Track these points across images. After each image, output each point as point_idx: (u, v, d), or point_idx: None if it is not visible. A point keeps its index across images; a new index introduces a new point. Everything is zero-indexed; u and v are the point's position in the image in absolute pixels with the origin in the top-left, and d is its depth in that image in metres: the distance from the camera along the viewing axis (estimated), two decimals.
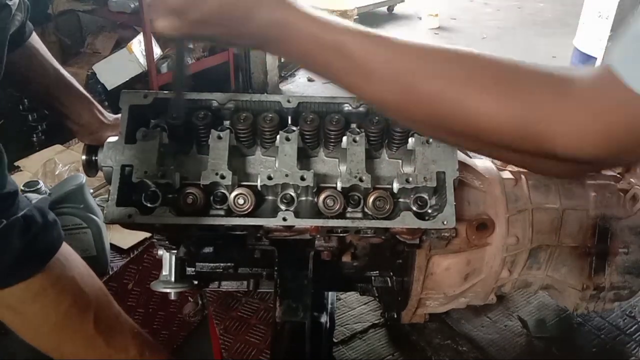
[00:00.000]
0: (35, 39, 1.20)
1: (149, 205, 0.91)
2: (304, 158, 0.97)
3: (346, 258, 1.15)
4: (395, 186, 0.93)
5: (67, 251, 0.84)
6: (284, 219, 0.89)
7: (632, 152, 0.56)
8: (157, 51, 3.34)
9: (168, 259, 1.09)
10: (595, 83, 0.53)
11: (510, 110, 0.56)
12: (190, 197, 0.90)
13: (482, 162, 1.22)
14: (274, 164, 0.94)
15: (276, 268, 1.05)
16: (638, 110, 0.50)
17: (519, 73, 0.57)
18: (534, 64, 0.58)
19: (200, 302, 1.43)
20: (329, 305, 1.31)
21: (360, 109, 0.96)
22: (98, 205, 1.45)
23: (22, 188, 1.34)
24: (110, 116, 1.29)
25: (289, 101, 0.96)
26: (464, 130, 0.62)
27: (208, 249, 1.13)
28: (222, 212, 0.92)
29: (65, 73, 1.26)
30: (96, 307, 0.85)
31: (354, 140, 0.94)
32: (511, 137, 0.58)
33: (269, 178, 0.91)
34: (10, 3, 0.87)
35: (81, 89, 1.27)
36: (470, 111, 0.58)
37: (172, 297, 1.11)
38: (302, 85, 4.30)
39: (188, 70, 0.90)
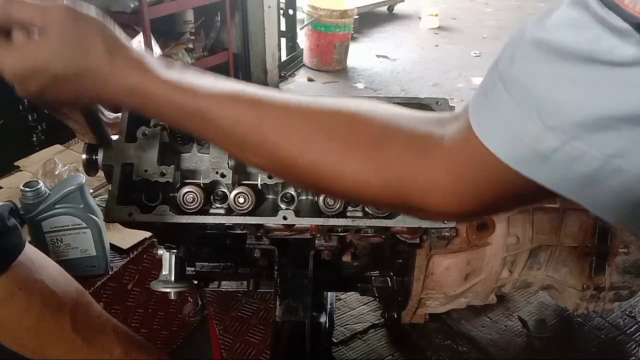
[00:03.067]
0: None
1: (149, 204, 0.91)
2: None
3: (346, 258, 1.15)
4: None
5: (33, 255, 0.82)
6: (285, 218, 0.89)
7: (501, 207, 0.55)
8: (157, 51, 3.34)
9: (168, 258, 1.09)
10: (456, 141, 0.51)
11: (373, 169, 0.54)
12: (191, 195, 0.90)
13: None
14: None
15: (276, 267, 1.05)
16: (496, 171, 0.47)
17: (383, 132, 0.55)
18: (404, 117, 0.56)
19: (200, 302, 1.43)
20: (328, 306, 1.31)
21: None
22: (98, 205, 1.45)
23: (22, 188, 1.33)
24: (109, 114, 1.29)
25: None
26: (333, 190, 0.60)
27: (208, 249, 1.13)
28: (222, 211, 0.92)
29: None
30: (72, 308, 0.82)
31: None
32: (377, 194, 0.56)
33: (269, 177, 0.91)
34: None
35: None
36: (338, 163, 0.55)
37: (172, 296, 1.11)
38: (302, 85, 4.30)
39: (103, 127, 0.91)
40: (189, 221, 0.89)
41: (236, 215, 0.91)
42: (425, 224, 0.92)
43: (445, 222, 0.89)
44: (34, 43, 0.58)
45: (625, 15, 0.37)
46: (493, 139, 0.46)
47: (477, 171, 0.49)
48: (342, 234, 1.00)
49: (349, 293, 1.72)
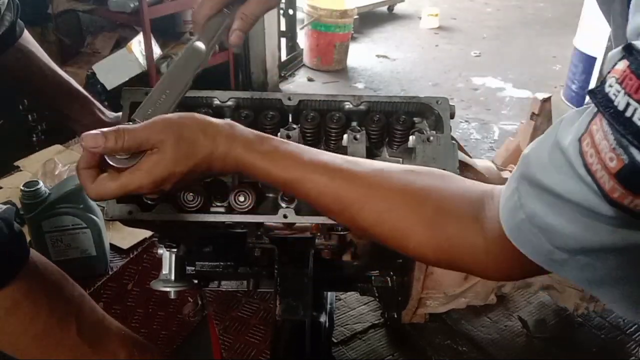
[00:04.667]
0: (28, 39, 1.19)
1: (149, 202, 0.91)
2: None
3: (346, 257, 1.15)
4: None
5: (38, 261, 0.80)
6: (285, 217, 0.89)
7: (528, 277, 0.70)
8: (157, 51, 3.35)
9: (168, 257, 1.09)
10: (495, 234, 0.60)
11: (430, 247, 0.66)
12: (191, 194, 0.90)
13: (482, 162, 1.22)
14: None
15: (276, 266, 1.05)
16: (526, 262, 0.56)
17: (438, 213, 0.66)
18: (456, 196, 0.67)
19: (200, 302, 1.43)
20: (328, 305, 1.31)
21: (361, 107, 0.96)
22: (98, 205, 1.45)
23: (22, 188, 1.33)
24: (110, 114, 1.29)
25: (289, 99, 0.96)
26: (401, 249, 0.71)
27: (208, 248, 1.13)
28: (222, 209, 0.92)
29: (63, 73, 1.25)
30: (77, 314, 0.82)
31: (355, 138, 0.94)
32: (430, 261, 0.70)
33: None
34: None
35: (80, 88, 1.27)
36: (403, 238, 0.68)
37: (172, 296, 1.11)
38: (302, 85, 4.30)
39: None
40: (189, 219, 0.89)
41: (236, 214, 0.91)
42: None
43: None
44: (152, 161, 0.69)
45: (601, 190, 0.42)
46: (520, 244, 0.55)
47: (512, 259, 0.58)
48: (342, 232, 1.00)
49: (349, 293, 1.72)
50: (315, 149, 0.74)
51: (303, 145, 0.75)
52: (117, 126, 0.69)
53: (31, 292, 0.77)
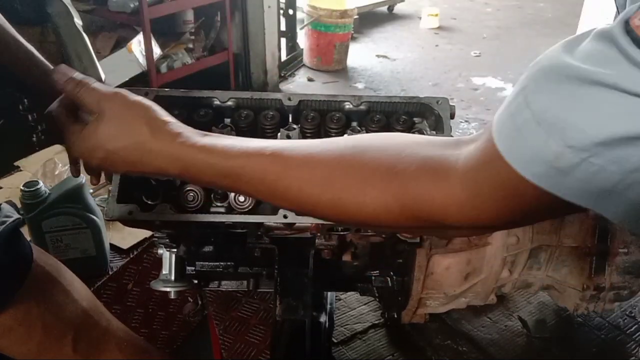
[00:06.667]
0: None
1: (149, 202, 0.91)
2: None
3: (346, 257, 1.15)
4: None
5: (40, 277, 0.79)
6: (285, 217, 0.89)
7: (519, 221, 0.58)
8: (156, 51, 3.34)
9: (168, 257, 1.09)
10: (474, 159, 0.53)
11: (390, 194, 0.58)
12: (191, 194, 0.90)
13: None
14: None
15: (276, 266, 1.05)
16: (516, 186, 0.49)
17: (397, 159, 0.58)
18: (418, 144, 0.59)
19: (200, 302, 1.43)
20: (328, 306, 1.31)
21: (361, 107, 0.96)
22: (98, 205, 1.45)
23: (22, 188, 1.34)
24: None
25: (289, 99, 0.96)
26: (357, 220, 0.64)
27: (208, 248, 1.13)
28: (222, 210, 0.92)
29: (27, 44, 1.17)
30: (75, 331, 0.81)
31: None
32: (397, 218, 0.59)
33: None
34: None
35: (42, 58, 1.18)
36: (354, 202, 0.60)
37: (172, 296, 1.11)
38: (302, 85, 4.29)
39: None
40: (189, 220, 0.89)
41: (236, 214, 0.91)
42: None
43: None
44: (92, 127, 0.70)
45: None
46: (514, 155, 0.48)
47: (496, 186, 0.51)
48: (342, 232, 1.00)
49: (349, 293, 1.72)
50: (256, 139, 0.70)
51: (241, 137, 0.71)
52: (88, 78, 0.71)
53: (25, 319, 0.76)
